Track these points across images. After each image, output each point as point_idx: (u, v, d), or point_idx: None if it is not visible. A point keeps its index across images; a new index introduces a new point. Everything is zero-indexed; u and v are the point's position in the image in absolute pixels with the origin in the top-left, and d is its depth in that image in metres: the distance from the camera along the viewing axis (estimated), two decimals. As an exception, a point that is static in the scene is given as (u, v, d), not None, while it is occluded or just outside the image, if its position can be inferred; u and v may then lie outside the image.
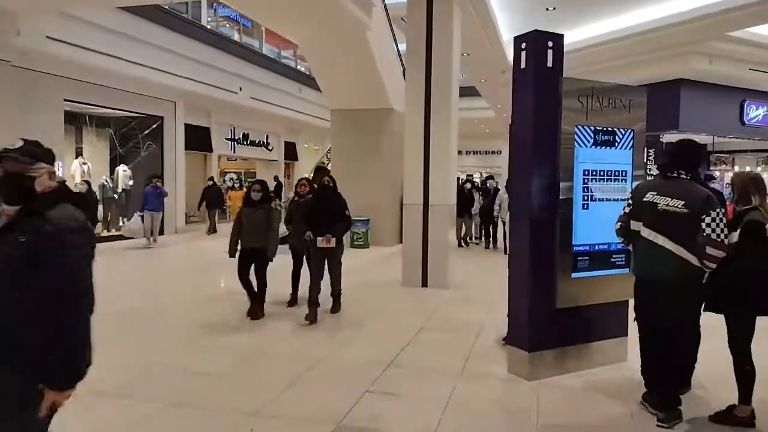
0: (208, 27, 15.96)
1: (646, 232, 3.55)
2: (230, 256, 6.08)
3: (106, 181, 13.79)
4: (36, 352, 1.76)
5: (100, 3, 10.47)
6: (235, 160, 21.72)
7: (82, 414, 3.61)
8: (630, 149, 4.48)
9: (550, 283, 4.22)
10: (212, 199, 15.35)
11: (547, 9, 10.16)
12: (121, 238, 12.81)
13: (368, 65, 10.95)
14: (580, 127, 4.24)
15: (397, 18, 12.38)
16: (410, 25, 8.26)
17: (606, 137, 4.36)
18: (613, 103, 4.37)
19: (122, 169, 14.25)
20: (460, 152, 9.14)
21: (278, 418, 3.61)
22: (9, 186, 1.84)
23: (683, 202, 3.37)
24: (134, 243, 12.14)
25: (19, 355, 1.79)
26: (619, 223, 3.79)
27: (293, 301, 6.64)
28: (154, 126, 14.63)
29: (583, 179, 4.29)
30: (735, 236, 3.36)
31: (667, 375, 3.55)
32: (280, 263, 6.61)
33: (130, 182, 14.20)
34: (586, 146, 4.28)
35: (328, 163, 16.17)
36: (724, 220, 3.28)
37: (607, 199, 4.39)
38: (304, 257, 6.51)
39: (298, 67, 21.01)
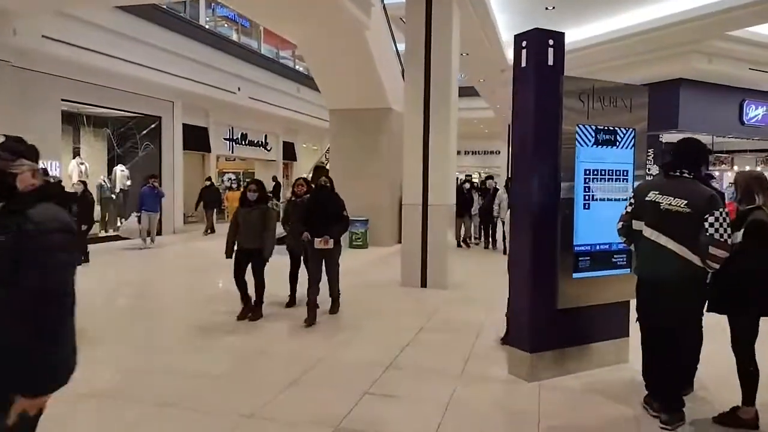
0: (207, 27, 15.92)
1: (648, 232, 3.50)
2: (227, 257, 6.03)
3: (104, 181, 13.74)
4: (14, 353, 1.70)
5: (97, 2, 10.42)
6: (234, 160, 21.67)
7: (76, 415, 3.57)
8: (631, 149, 4.45)
9: (552, 283, 4.18)
10: (210, 199, 15.30)
11: (547, 8, 10.13)
12: (118, 238, 12.76)
13: (367, 65, 10.91)
14: (581, 126, 4.21)
15: (396, 18, 12.35)
16: (409, 24, 8.23)
17: (607, 136, 4.33)
18: (614, 102, 4.33)
19: (120, 170, 14.21)
20: (458, 152, 9.10)
21: (275, 420, 3.56)
22: None
23: (686, 202, 3.33)
24: (132, 243, 12.08)
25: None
26: (621, 223, 3.75)
27: (292, 302, 6.60)
28: (152, 126, 14.57)
29: (585, 179, 4.26)
30: (739, 236, 3.32)
31: (669, 376, 3.51)
32: (278, 264, 6.57)
33: (128, 182, 14.16)
34: (588, 145, 4.25)
35: (326, 163, 16.12)
36: (728, 220, 3.24)
37: (608, 199, 4.35)
38: (302, 258, 6.46)
39: (297, 67, 20.98)
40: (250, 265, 6.01)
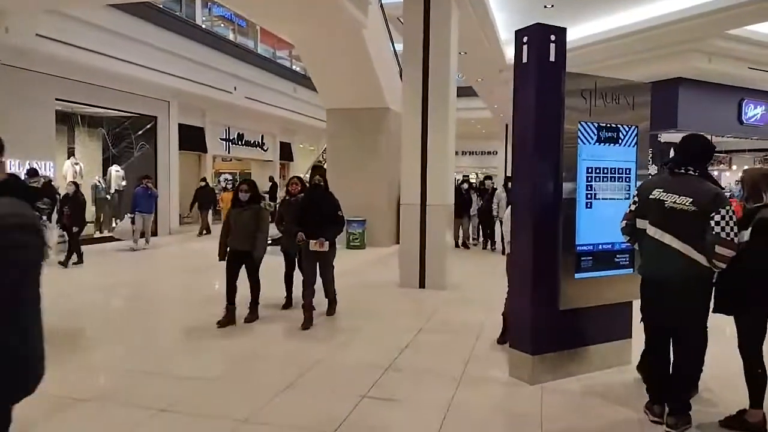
0: (203, 26, 15.83)
1: (653, 231, 3.42)
2: (220, 259, 5.90)
3: (99, 181, 13.62)
4: None
5: (91, 1, 10.30)
6: (230, 160, 21.56)
7: (67, 419, 3.47)
8: (634, 146, 4.37)
9: (553, 284, 4.10)
10: (204, 200, 15.17)
11: (545, 6, 10.08)
12: (113, 239, 12.64)
13: (364, 64, 10.84)
14: (583, 123, 4.13)
15: (394, 18, 12.28)
16: (407, 24, 8.15)
17: (609, 134, 4.25)
18: (617, 99, 4.25)
19: (115, 170, 14.08)
20: (456, 153, 9.01)
21: (271, 425, 3.47)
22: None
23: (691, 200, 3.25)
24: (126, 244, 11.96)
25: None
26: (625, 221, 3.66)
27: (288, 304, 6.50)
28: (147, 126, 14.45)
29: (587, 177, 4.18)
30: (746, 235, 3.23)
31: (674, 378, 3.43)
32: (273, 265, 6.47)
33: (123, 183, 14.03)
34: (590, 143, 4.17)
35: (324, 163, 16.06)
36: (734, 218, 3.16)
37: (610, 198, 4.27)
38: (296, 259, 6.36)
39: (294, 66, 20.89)
40: (243, 268, 5.86)
